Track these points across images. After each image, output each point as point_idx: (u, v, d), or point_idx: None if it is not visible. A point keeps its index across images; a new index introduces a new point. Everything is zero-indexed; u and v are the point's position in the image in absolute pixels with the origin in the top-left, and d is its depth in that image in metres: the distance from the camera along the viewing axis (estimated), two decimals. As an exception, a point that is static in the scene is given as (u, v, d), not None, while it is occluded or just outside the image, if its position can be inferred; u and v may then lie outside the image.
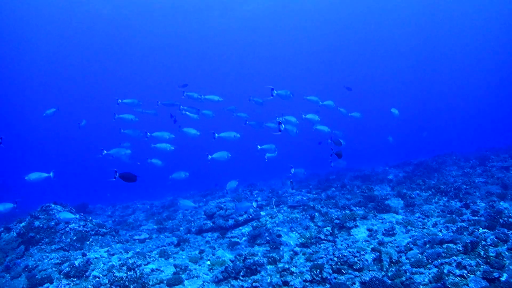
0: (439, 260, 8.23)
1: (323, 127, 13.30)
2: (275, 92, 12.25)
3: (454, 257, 8.18)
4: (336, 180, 19.28)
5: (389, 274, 8.13)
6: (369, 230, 11.24)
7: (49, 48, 48.53)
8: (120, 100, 13.74)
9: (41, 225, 12.28)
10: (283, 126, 11.56)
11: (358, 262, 8.66)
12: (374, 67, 65.77)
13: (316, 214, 12.91)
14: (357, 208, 13.18)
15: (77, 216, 12.57)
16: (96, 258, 10.85)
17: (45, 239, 12.04)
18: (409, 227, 10.95)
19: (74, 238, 12.17)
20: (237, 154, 13.13)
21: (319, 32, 51.29)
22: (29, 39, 45.48)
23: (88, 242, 12.26)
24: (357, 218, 11.84)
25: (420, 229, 10.82)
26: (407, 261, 8.73)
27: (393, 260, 8.71)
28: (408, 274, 8.03)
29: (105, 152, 12.03)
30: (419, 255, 8.79)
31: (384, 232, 10.77)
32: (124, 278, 9.17)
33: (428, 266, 8.24)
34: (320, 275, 8.25)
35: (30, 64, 52.41)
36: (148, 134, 12.88)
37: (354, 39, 54.55)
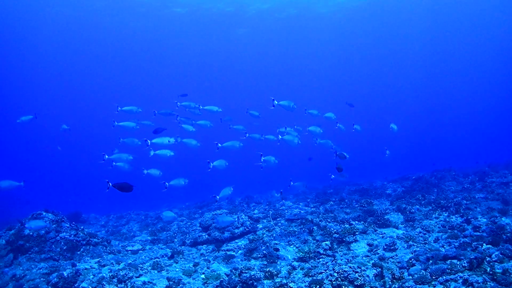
0: (444, 277, 7.82)
1: (326, 141, 13.25)
2: (276, 102, 12.04)
3: (460, 274, 7.79)
4: (334, 194, 18.88)
5: (392, 291, 7.70)
6: (369, 245, 10.81)
7: (48, 50, 48.19)
8: (119, 108, 13.39)
9: (31, 233, 11.79)
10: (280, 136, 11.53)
11: (359, 278, 8.21)
12: (372, 80, 65.65)
13: (315, 228, 12.47)
14: (356, 222, 12.75)
15: (47, 224, 11.98)
16: (86, 269, 10.36)
17: (35, 248, 11.55)
18: (410, 242, 10.53)
19: (65, 248, 11.69)
20: (234, 166, 12.81)
21: (318, 43, 51.15)
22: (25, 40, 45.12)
23: (79, 252, 11.77)
24: (357, 233, 11.42)
25: (422, 245, 10.40)
26: (410, 277, 8.30)
27: (396, 276, 8.27)
28: (411, 290, 7.60)
29: (106, 157, 11.76)
30: (423, 271, 8.35)
31: (385, 247, 10.34)
32: (114, 290, 8.68)
33: (433, 283, 7.81)
34: (319, 291, 7.81)
35: (29, 66, 52.01)
36: (149, 142, 12.41)
37: (353, 51, 54.43)
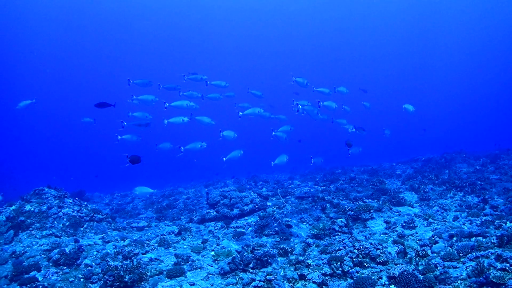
0: (474, 253, 7.15)
1: (341, 120, 13.26)
2: (300, 107, 12.09)
3: (491, 250, 7.11)
4: (342, 174, 18.14)
5: (419, 268, 6.99)
6: (386, 222, 10.11)
7: (50, 47, 47.17)
8: (134, 97, 12.61)
9: (32, 209, 11.08)
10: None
11: (381, 255, 7.52)
12: (381, 65, 63.91)
13: (327, 205, 11.76)
14: (370, 200, 12.03)
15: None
16: (89, 245, 9.68)
17: (36, 224, 10.84)
18: (430, 220, 9.82)
19: (67, 224, 10.98)
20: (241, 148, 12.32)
21: (324, 32, 49.90)
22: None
23: (82, 229, 11.07)
24: (372, 210, 10.69)
25: (441, 222, 9.70)
26: (435, 254, 7.61)
27: (420, 254, 7.58)
28: (440, 268, 6.91)
29: (119, 137, 11.34)
30: (449, 248, 7.67)
31: (404, 224, 9.63)
32: (119, 267, 7.96)
33: (462, 259, 7.13)
34: (340, 268, 7.10)
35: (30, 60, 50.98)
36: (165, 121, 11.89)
37: (362, 37, 52.96)
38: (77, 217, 11.26)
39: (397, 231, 9.31)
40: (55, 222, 11.00)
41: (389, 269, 6.98)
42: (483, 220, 9.48)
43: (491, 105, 66.08)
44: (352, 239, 8.84)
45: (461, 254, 7.29)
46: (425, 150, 23.64)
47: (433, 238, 8.46)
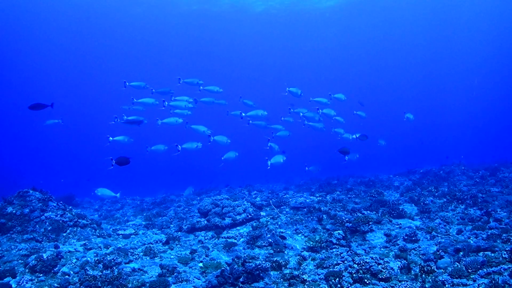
0: (485, 269, 6.45)
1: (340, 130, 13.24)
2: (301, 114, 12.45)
3: (503, 266, 6.43)
4: (338, 185, 17.44)
5: (426, 286, 6.26)
6: (386, 235, 9.41)
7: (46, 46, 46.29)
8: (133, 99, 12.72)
9: (14, 211, 10.31)
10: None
11: (383, 270, 6.80)
12: (379, 73, 63.09)
13: (324, 216, 11.05)
14: (368, 212, 11.33)
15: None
16: (69, 251, 8.92)
17: (17, 227, 10.07)
18: (433, 233, 9.14)
19: (49, 228, 10.20)
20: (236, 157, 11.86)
21: (319, 37, 49.19)
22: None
23: (64, 234, 10.28)
24: (371, 222, 9.99)
25: (445, 236, 9.02)
26: (442, 270, 6.91)
27: (425, 269, 6.85)
28: (448, 285, 6.21)
29: (111, 138, 11.08)
30: (457, 263, 6.98)
31: (406, 237, 8.94)
32: (97, 277, 7.22)
33: (472, 276, 6.43)
34: (339, 285, 6.38)
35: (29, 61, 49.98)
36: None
37: (358, 43, 52.21)
38: (60, 221, 10.50)
39: (398, 244, 8.61)
40: (37, 226, 10.25)
41: (392, 287, 6.27)
42: (489, 233, 8.80)
43: (487, 116, 65.49)
44: (351, 252, 8.11)
45: (470, 270, 6.60)
46: (422, 161, 22.99)
47: (438, 253, 7.77)
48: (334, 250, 8.55)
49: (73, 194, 17.99)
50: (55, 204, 11.10)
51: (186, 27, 43.75)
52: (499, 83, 60.82)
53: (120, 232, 11.34)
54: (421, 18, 42.74)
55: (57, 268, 8.11)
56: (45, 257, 8.29)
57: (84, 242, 9.78)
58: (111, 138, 11.19)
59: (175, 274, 7.80)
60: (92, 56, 50.40)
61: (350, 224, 9.87)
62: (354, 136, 12.57)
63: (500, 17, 41.67)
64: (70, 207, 11.41)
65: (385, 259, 7.34)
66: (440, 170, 18.16)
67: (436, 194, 13.35)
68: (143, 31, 44.63)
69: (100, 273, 7.52)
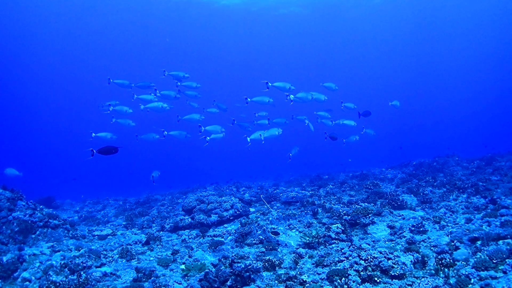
0: (512, 259, 5.35)
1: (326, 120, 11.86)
2: (270, 84, 10.52)
3: (535, 255, 5.34)
4: (330, 180, 16.31)
5: (451, 282, 5.09)
6: (390, 227, 8.28)
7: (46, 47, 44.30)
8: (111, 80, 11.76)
9: (-24, 213, 8.93)
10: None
11: (395, 266, 5.63)
12: (371, 67, 61.97)
13: (319, 209, 9.87)
14: (366, 204, 10.18)
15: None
16: (34, 255, 7.60)
17: (-19, 230, 8.69)
18: (442, 223, 8.03)
19: (17, 230, 8.82)
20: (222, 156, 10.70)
21: (321, 34, 47.81)
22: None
23: (33, 236, 8.90)
24: (371, 214, 8.85)
25: (456, 225, 7.92)
26: (463, 263, 5.77)
27: (443, 263, 5.70)
28: (475, 279, 5.07)
29: (94, 134, 10.61)
30: (479, 254, 5.85)
31: (412, 229, 7.81)
32: (60, 283, 5.93)
33: (500, 267, 5.30)
34: (346, 285, 5.18)
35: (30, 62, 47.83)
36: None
37: (355, 39, 51.00)
38: (29, 222, 9.12)
39: (405, 236, 7.48)
40: (4, 227, 8.86)
41: (410, 285, 5.09)
42: (502, 220, 7.75)
43: (477, 111, 65.15)
44: (353, 247, 6.92)
45: (495, 261, 5.49)
46: (413, 156, 21.91)
47: (452, 244, 6.64)
48: (333, 245, 7.35)
49: (53, 195, 16.53)
50: (24, 203, 9.71)
51: (180, 22, 42.12)
52: (493, 82, 60.59)
53: (96, 233, 9.99)
54: (413, 17, 41.96)
55: (17, 273, 6.83)
56: (4, 260, 7.00)
57: (52, 243, 8.44)
58: (93, 134, 10.58)
59: (152, 278, 6.53)
60: (78, 54, 48.35)
61: (349, 217, 8.71)
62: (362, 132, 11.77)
63: (495, 16, 41.09)
64: (41, 207, 10.02)
65: (395, 253, 6.18)
66: (433, 161, 17.17)
67: (435, 184, 12.32)
68: (125, 29, 42.78)
69: (64, 279, 6.23)
